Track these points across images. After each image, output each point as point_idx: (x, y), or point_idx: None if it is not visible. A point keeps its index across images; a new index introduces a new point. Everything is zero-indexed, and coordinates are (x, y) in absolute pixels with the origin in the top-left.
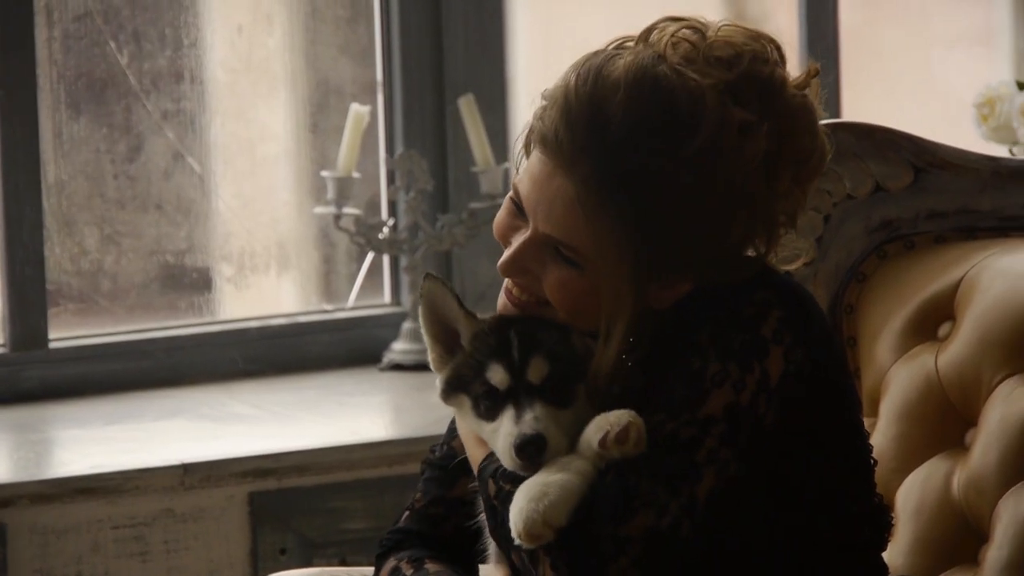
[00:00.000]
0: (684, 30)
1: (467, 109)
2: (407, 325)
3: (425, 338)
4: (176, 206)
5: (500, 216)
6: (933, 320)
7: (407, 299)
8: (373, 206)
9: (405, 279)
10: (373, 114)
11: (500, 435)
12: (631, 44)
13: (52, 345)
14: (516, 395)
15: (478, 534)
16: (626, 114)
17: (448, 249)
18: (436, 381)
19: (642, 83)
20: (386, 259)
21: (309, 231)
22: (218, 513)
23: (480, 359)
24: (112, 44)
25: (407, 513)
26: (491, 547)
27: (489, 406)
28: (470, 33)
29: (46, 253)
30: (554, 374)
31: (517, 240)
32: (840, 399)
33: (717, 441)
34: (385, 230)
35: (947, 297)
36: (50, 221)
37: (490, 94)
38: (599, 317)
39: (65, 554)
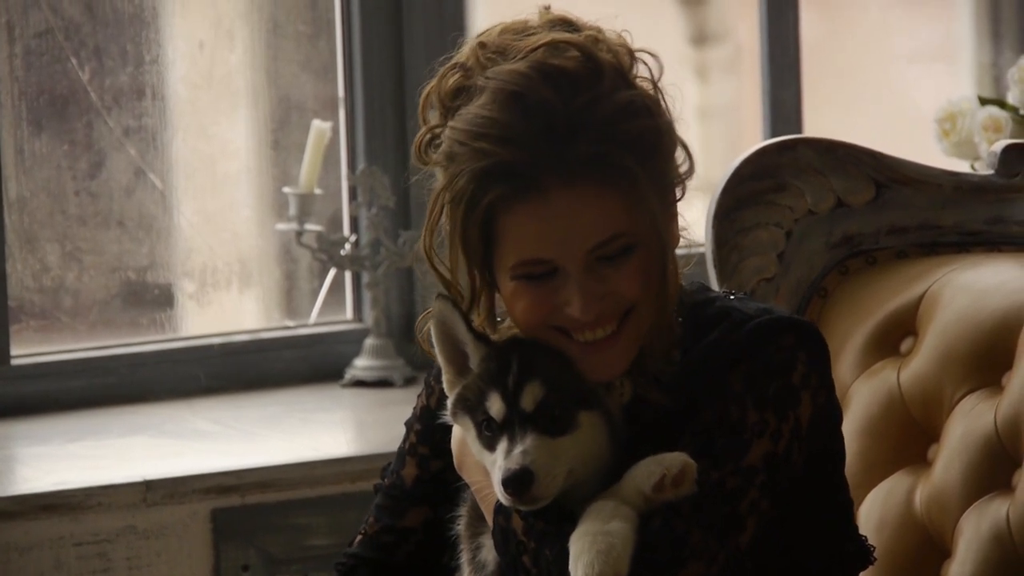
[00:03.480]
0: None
1: None
2: (369, 341)
3: (438, 359)
4: (138, 222)
5: (524, 299)
6: (895, 336)
7: (369, 315)
8: (335, 222)
9: (367, 295)
10: (335, 130)
11: (495, 464)
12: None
13: (14, 362)
14: (511, 425)
15: (429, 559)
16: (551, 90)
17: (410, 265)
18: (447, 402)
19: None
20: (348, 275)
21: (271, 247)
22: (181, 530)
23: (482, 386)
24: (73, 61)
25: (360, 537)
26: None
27: (488, 437)
28: (432, 49)
29: (7, 270)
30: (549, 400)
31: (569, 287)
32: (840, 434)
33: (758, 491)
34: (347, 246)
35: (909, 313)
36: (11, 238)
37: None
38: (675, 284)
39: (27, 571)
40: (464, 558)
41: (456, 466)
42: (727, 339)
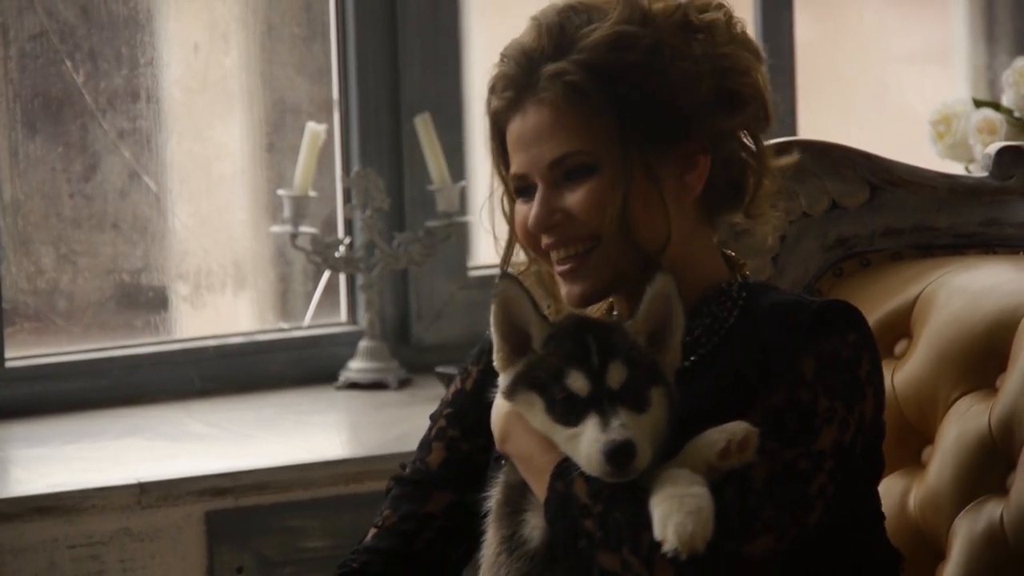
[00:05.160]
0: None
1: (423, 128)
2: (363, 344)
3: (493, 336)
4: (132, 225)
5: (518, 216)
6: (890, 338)
7: (363, 318)
8: (329, 225)
9: (361, 298)
10: (329, 133)
11: (583, 441)
12: None
13: (8, 364)
14: (598, 402)
15: (447, 549)
16: (564, 15)
17: (405, 267)
18: (500, 379)
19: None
20: (342, 278)
21: (265, 250)
22: (175, 532)
23: (557, 364)
24: (68, 63)
25: (373, 531)
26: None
27: (567, 412)
28: (426, 52)
29: (2, 272)
30: (632, 379)
31: (534, 202)
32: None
33: (827, 476)
34: (341, 248)
35: (904, 315)
36: (6, 240)
37: (446, 113)
38: (645, 226)
39: (22, 573)
40: (495, 538)
41: (499, 439)
42: (788, 319)
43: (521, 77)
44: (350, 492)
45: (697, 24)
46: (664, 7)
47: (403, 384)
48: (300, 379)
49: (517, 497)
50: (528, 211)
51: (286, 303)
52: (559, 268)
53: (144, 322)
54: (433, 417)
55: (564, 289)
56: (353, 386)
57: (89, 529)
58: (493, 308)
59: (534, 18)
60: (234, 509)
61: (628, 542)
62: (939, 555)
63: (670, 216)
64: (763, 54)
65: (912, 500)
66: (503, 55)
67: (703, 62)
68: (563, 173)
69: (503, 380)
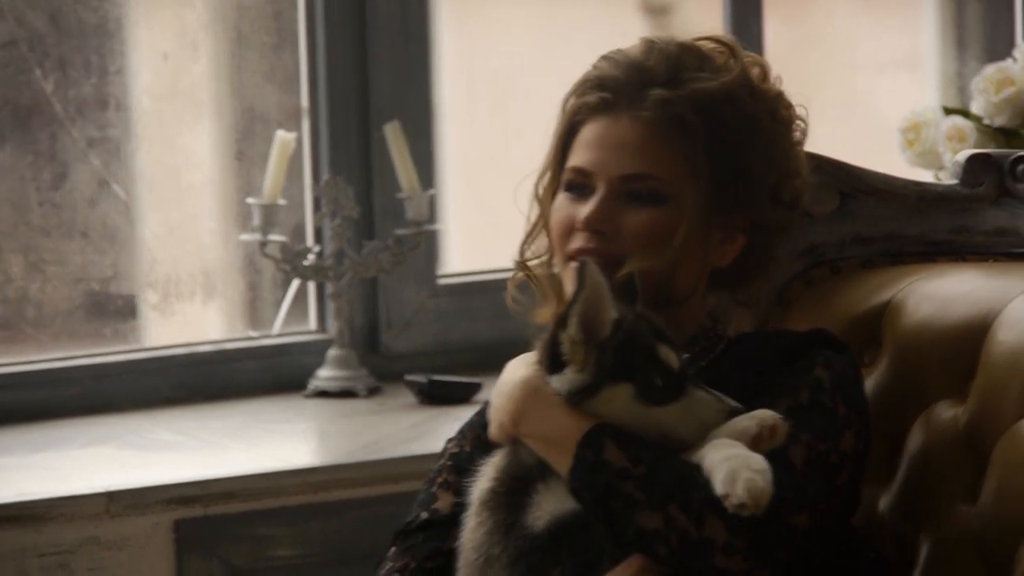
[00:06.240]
0: None
1: (393, 136)
2: (332, 352)
3: (574, 321)
4: (101, 233)
5: (561, 210)
6: (859, 345)
7: (332, 326)
8: (299, 233)
9: (331, 306)
10: (299, 141)
11: (695, 410)
12: None
13: None
14: (686, 375)
15: None
16: (683, 51)
17: (374, 275)
18: (569, 373)
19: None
20: (312, 286)
21: (235, 258)
22: (144, 541)
23: (645, 342)
24: (38, 71)
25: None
26: None
27: (665, 388)
28: (396, 60)
29: None
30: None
31: (591, 201)
32: None
33: (847, 476)
34: (311, 257)
35: (873, 322)
36: None
37: (416, 121)
38: (684, 271)
39: None
40: (491, 520)
41: (512, 422)
42: (789, 340)
43: (626, 86)
44: (319, 500)
45: (782, 118)
46: (767, 88)
47: (372, 392)
48: (269, 387)
49: (518, 486)
50: (574, 207)
51: (255, 311)
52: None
53: (113, 330)
54: (430, 477)
55: (571, 287)
56: (322, 394)
57: (58, 538)
58: (583, 294)
59: (650, 40)
60: (203, 517)
61: (678, 499)
62: (909, 562)
63: (688, 267)
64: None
65: (882, 506)
66: (608, 58)
67: (781, 151)
68: (631, 190)
69: (580, 378)
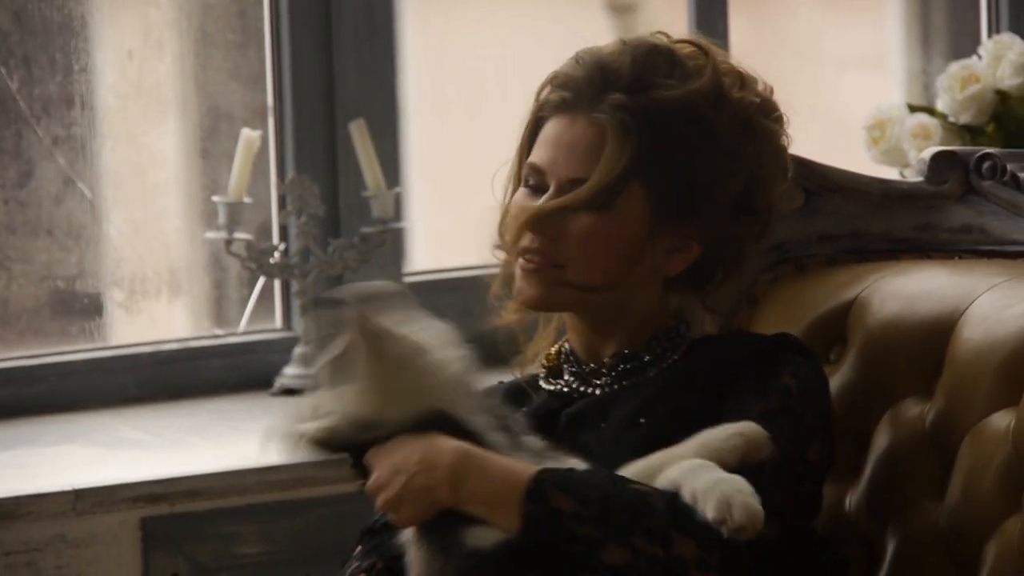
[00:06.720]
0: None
1: (358, 134)
2: (299, 350)
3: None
4: (67, 232)
5: (515, 205)
6: (824, 343)
7: (298, 324)
8: (264, 231)
9: (296, 304)
10: (264, 139)
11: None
12: None
13: None
14: None
15: None
16: (653, 55)
17: (340, 274)
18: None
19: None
20: (277, 284)
21: (200, 256)
22: (110, 539)
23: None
24: (2, 69)
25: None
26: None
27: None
28: (361, 58)
29: None
30: None
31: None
32: None
33: (811, 484)
34: (276, 255)
35: (838, 320)
36: None
37: (381, 119)
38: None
39: None
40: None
41: (450, 491)
42: (755, 344)
43: (587, 87)
44: (285, 498)
45: (757, 128)
46: (740, 98)
47: None
48: (235, 385)
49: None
50: (529, 203)
51: (221, 309)
52: (522, 263)
53: (79, 328)
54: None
55: (518, 284)
56: (288, 392)
57: (24, 536)
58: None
59: (625, 43)
60: (169, 515)
61: (638, 529)
62: (876, 560)
63: (634, 273)
64: (790, 170)
65: (848, 504)
66: (579, 57)
67: (745, 164)
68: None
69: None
